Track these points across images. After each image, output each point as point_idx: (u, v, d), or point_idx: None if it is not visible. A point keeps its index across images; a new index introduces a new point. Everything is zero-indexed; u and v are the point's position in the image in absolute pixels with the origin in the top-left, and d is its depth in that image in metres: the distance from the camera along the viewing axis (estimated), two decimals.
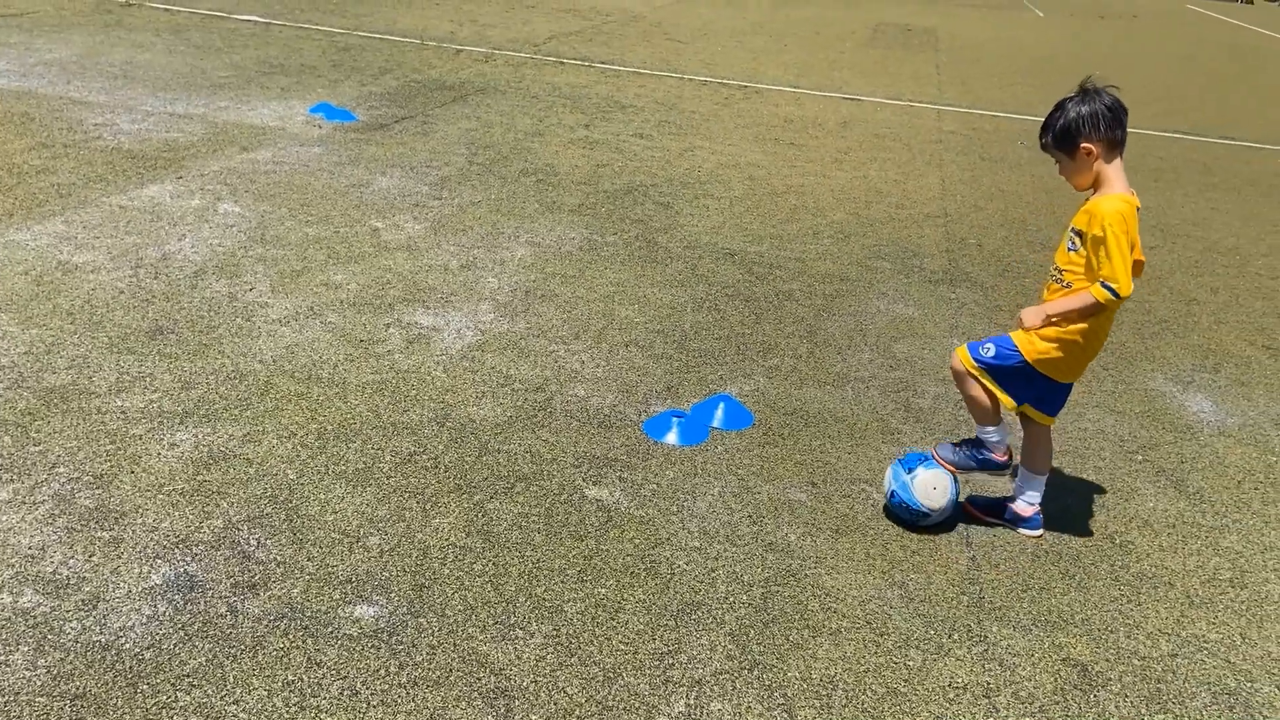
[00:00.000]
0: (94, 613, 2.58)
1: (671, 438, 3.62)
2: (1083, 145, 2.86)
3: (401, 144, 7.02)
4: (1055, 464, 3.72)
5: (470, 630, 2.64)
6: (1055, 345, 2.99)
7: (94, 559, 2.76)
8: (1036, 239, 6.33)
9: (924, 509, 3.15)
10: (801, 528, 3.19)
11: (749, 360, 4.30)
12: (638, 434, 3.65)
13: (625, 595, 2.82)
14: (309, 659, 2.49)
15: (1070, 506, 3.46)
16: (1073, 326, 2.95)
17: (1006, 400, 3.10)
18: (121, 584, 2.68)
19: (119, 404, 3.52)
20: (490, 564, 2.89)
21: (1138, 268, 2.94)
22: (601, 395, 3.89)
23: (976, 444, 3.21)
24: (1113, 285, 2.79)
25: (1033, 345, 3.01)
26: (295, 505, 3.07)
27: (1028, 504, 3.24)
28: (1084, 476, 3.66)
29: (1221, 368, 4.69)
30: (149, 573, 2.73)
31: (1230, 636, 2.89)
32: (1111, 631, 2.87)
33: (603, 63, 10.99)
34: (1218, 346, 4.92)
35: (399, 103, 8.21)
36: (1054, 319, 2.94)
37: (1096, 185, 2.91)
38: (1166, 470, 3.76)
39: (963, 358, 3.13)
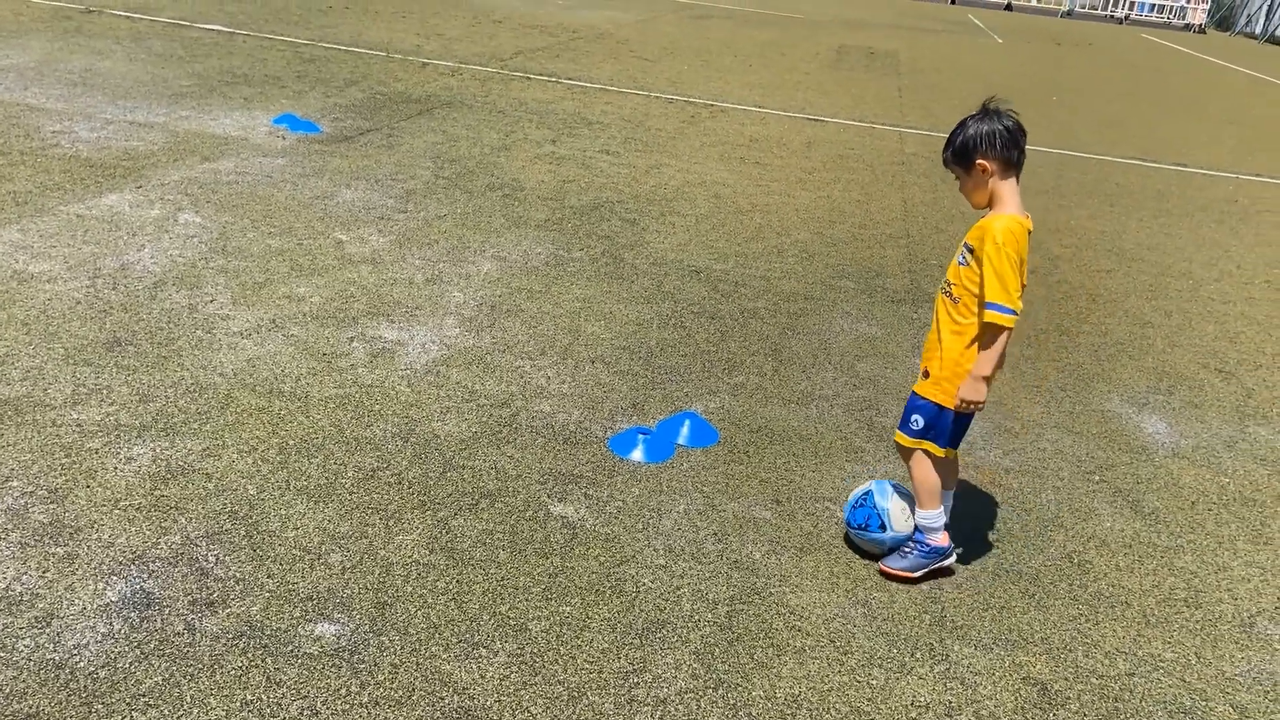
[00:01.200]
0: (47, 630, 2.52)
1: (637, 455, 3.62)
2: (979, 162, 2.91)
3: (367, 156, 6.98)
4: (1015, 484, 3.77)
5: (433, 649, 2.61)
6: (956, 385, 2.95)
7: (48, 575, 2.70)
8: None
9: (886, 538, 3.15)
10: (766, 545, 3.20)
11: (714, 377, 4.32)
12: (603, 451, 3.64)
13: (590, 613, 2.81)
14: (268, 678, 2.45)
15: (1030, 526, 3.50)
16: (999, 361, 2.93)
17: (949, 452, 3.07)
18: (76, 601, 2.63)
19: (75, 416, 3.46)
20: (454, 581, 2.87)
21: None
22: (567, 411, 3.88)
23: (919, 541, 3.13)
24: (1001, 304, 2.79)
25: (949, 395, 2.97)
26: (255, 521, 3.03)
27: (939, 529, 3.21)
28: (1043, 496, 3.71)
29: (1175, 390, 4.78)
30: (104, 589, 2.68)
31: (1185, 656, 2.94)
32: (1070, 650, 2.90)
33: (569, 79, 11.02)
34: (1172, 369, 5.02)
35: (364, 115, 8.17)
36: (988, 377, 2.90)
37: (992, 203, 2.96)
38: (1123, 491, 3.82)
39: (901, 439, 3.10)
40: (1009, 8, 40.78)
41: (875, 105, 11.72)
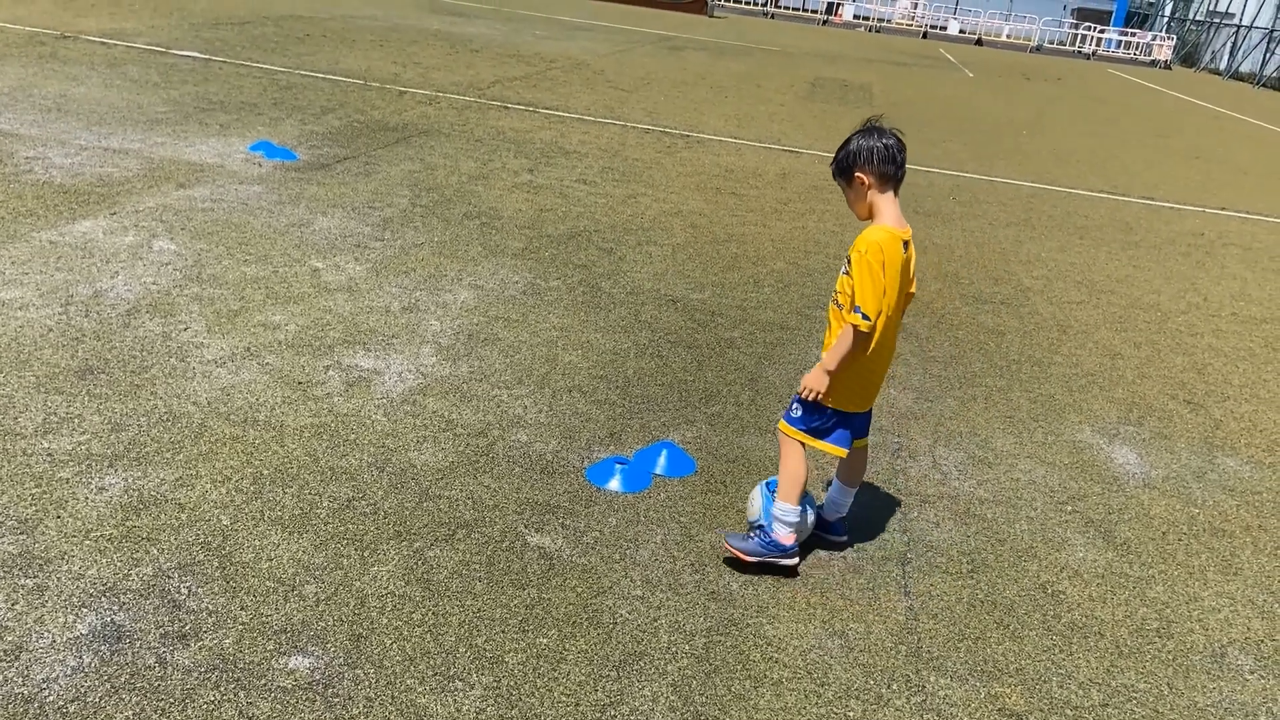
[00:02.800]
0: (16, 664, 2.48)
1: (614, 484, 3.62)
2: (857, 175, 3.06)
3: (343, 184, 6.98)
4: (990, 514, 3.80)
5: (408, 681, 2.59)
6: (842, 384, 3.12)
7: (17, 607, 2.66)
8: (969, 291, 6.50)
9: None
10: (743, 576, 3.20)
11: (691, 407, 4.33)
12: (580, 480, 3.64)
13: (567, 645, 2.79)
14: (241, 712, 2.42)
15: (1004, 556, 3.53)
16: (852, 364, 3.08)
17: (837, 450, 3.20)
18: (46, 634, 2.59)
19: (45, 446, 3.41)
20: (430, 613, 2.85)
21: (908, 299, 3.18)
22: (544, 441, 3.88)
23: (765, 529, 3.21)
24: (862, 309, 2.95)
25: (831, 397, 3.13)
26: (228, 552, 3.00)
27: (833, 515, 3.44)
28: (1017, 527, 3.74)
29: (1145, 421, 4.84)
30: (74, 622, 2.64)
31: (1158, 686, 2.96)
32: (1045, 681, 2.92)
33: (547, 108, 11.08)
34: (1141, 400, 5.09)
35: (341, 143, 8.18)
36: (832, 370, 3.05)
37: (872, 215, 3.11)
38: (1095, 521, 3.86)
39: (783, 428, 3.23)
40: (979, 43, 41.38)
41: None
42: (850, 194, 3.13)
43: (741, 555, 3.19)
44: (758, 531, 3.22)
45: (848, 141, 3.10)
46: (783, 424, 3.25)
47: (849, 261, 3.02)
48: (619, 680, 2.69)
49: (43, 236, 5.31)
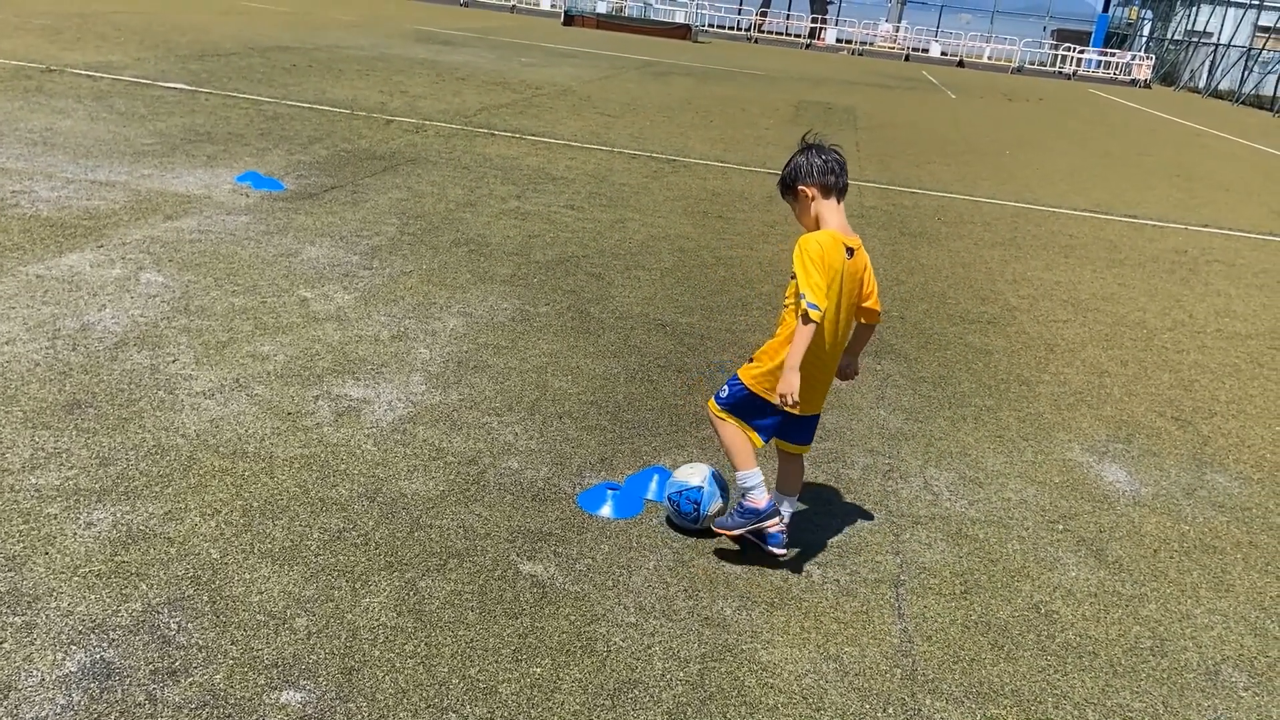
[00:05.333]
0: (5, 703, 2.45)
1: (606, 510, 3.61)
2: (801, 189, 3.25)
3: (331, 213, 6.99)
4: (981, 534, 3.80)
5: (401, 714, 2.57)
6: (767, 370, 3.24)
7: (5, 646, 2.64)
8: (956, 312, 6.53)
9: (691, 485, 3.47)
10: (737, 601, 3.20)
11: (682, 431, 4.33)
12: (572, 507, 3.63)
13: (561, 675, 2.78)
14: None
15: (997, 577, 3.53)
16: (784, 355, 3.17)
17: (755, 438, 3.35)
18: (34, 672, 2.56)
19: (33, 481, 3.39)
20: (422, 644, 2.83)
21: (870, 315, 3.37)
22: (535, 468, 3.87)
23: (739, 504, 3.40)
24: (808, 298, 3.06)
25: (752, 376, 3.29)
26: (218, 586, 2.98)
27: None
28: (1008, 547, 3.74)
29: (1134, 438, 4.86)
30: (63, 660, 2.61)
31: (1153, 706, 2.96)
32: (1040, 703, 2.91)
33: (534, 135, 11.13)
34: (1129, 418, 5.11)
35: (329, 172, 8.19)
36: (794, 366, 3.11)
37: (818, 224, 3.26)
38: (1086, 540, 3.86)
39: (710, 406, 3.42)
40: (961, 64, 41.78)
41: None
42: (797, 208, 3.31)
43: (726, 532, 3.37)
44: (734, 509, 3.40)
45: (790, 160, 3.29)
46: (711, 403, 3.41)
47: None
48: (614, 709, 2.67)
49: (29, 270, 5.30)
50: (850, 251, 3.18)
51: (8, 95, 9.86)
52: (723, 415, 3.36)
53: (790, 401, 3.09)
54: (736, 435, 3.34)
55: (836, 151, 3.27)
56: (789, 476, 3.50)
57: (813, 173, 3.22)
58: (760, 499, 3.33)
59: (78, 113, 9.41)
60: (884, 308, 6.39)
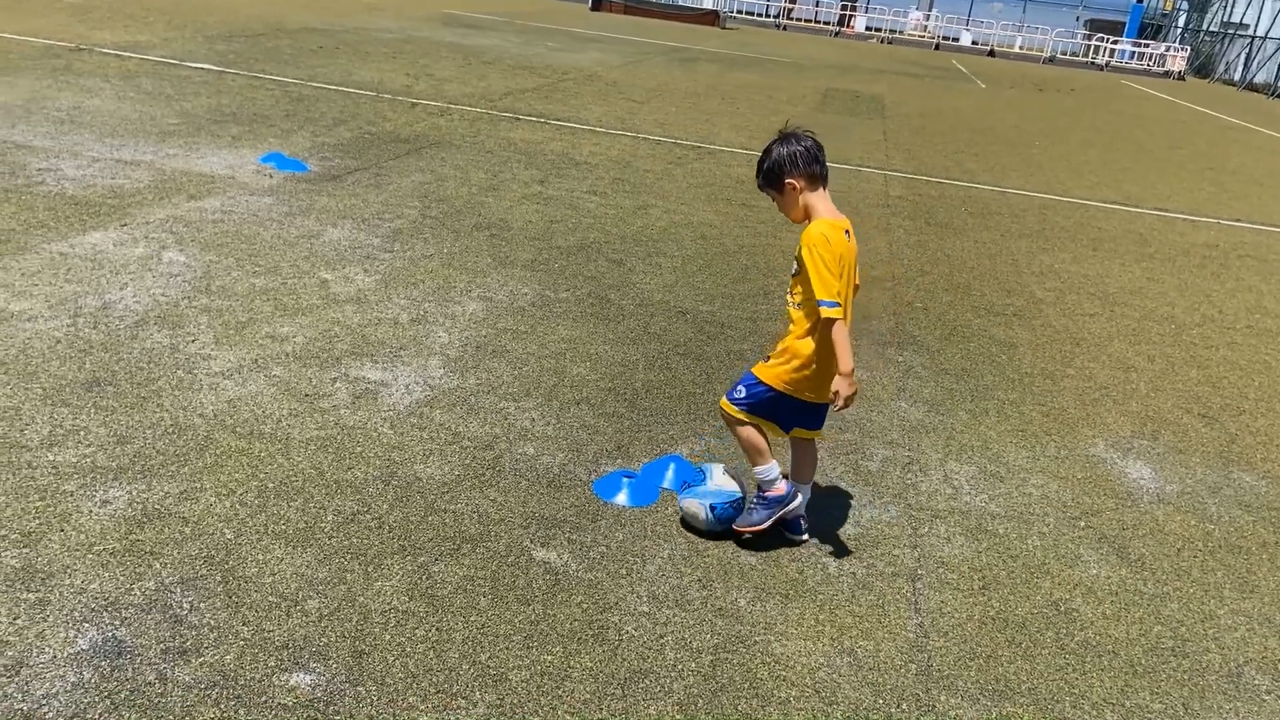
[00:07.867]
0: (16, 679, 2.46)
1: (621, 498, 3.59)
2: (788, 181, 3.19)
3: (354, 196, 6.99)
4: (1001, 529, 3.75)
5: (411, 699, 2.56)
6: (793, 369, 3.22)
7: (18, 622, 2.65)
8: (980, 303, 6.45)
9: (731, 491, 3.41)
10: (751, 592, 3.17)
11: (700, 420, 4.30)
12: (587, 494, 3.61)
13: (572, 662, 2.76)
14: None
15: (1016, 573, 3.48)
16: (808, 352, 3.18)
17: (775, 430, 3.36)
18: (46, 648, 2.57)
19: (50, 458, 3.41)
20: (433, 629, 2.82)
21: (855, 291, 3.28)
22: (551, 454, 3.85)
23: (758, 493, 3.40)
24: (826, 298, 3.04)
25: (776, 375, 3.26)
26: (232, 566, 2.98)
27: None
28: (1029, 542, 3.69)
29: (1160, 435, 4.78)
30: (75, 637, 2.62)
31: (1173, 707, 2.91)
32: (1057, 701, 2.87)
33: (558, 120, 11.09)
34: (1156, 414, 5.03)
35: (352, 154, 8.19)
36: (849, 370, 3.07)
37: (808, 215, 3.22)
38: (1109, 537, 3.80)
39: (725, 406, 3.38)
40: (992, 54, 41.35)
41: (860, 148, 11.83)
42: (782, 200, 3.25)
43: (755, 529, 3.35)
44: (755, 503, 3.39)
45: (768, 152, 3.23)
46: (726, 403, 3.38)
47: (799, 261, 3.14)
48: (624, 698, 2.65)
49: (53, 248, 5.32)
50: (846, 233, 3.17)
51: (37, 74, 9.92)
52: (742, 417, 3.34)
53: (840, 404, 3.08)
54: (755, 434, 3.34)
55: (812, 137, 3.23)
56: (802, 464, 3.50)
57: (798, 163, 3.17)
58: (781, 486, 3.36)
59: (105, 92, 9.45)
60: (909, 299, 6.38)
